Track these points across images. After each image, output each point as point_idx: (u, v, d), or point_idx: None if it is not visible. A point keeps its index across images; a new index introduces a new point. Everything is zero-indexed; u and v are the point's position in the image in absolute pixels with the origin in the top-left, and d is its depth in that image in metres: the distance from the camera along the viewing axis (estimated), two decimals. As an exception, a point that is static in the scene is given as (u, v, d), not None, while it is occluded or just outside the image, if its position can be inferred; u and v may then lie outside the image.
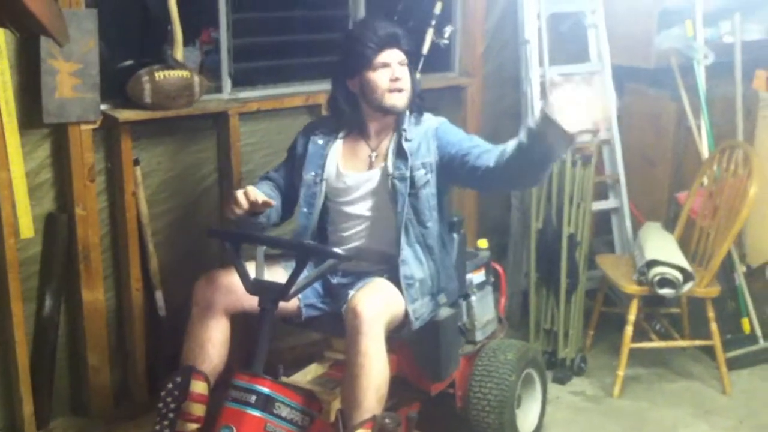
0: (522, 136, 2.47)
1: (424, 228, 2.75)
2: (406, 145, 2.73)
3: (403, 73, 2.71)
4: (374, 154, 2.80)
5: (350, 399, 2.49)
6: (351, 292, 2.63)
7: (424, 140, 2.74)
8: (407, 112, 2.78)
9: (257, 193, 2.58)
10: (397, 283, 2.68)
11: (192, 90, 3.09)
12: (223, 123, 3.28)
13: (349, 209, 2.81)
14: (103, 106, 2.97)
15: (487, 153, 2.64)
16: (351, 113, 2.79)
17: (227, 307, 2.69)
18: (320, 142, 2.83)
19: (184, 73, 3.06)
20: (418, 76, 3.71)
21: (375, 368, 2.48)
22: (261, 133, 3.46)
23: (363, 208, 2.80)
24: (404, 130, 2.75)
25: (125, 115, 2.99)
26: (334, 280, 2.84)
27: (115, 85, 3.03)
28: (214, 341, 2.67)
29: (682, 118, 4.17)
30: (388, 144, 2.78)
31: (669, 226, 4.03)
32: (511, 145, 2.55)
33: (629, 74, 4.32)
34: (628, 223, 4.21)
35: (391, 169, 2.73)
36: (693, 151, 4.13)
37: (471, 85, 4.09)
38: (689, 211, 3.91)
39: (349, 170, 2.80)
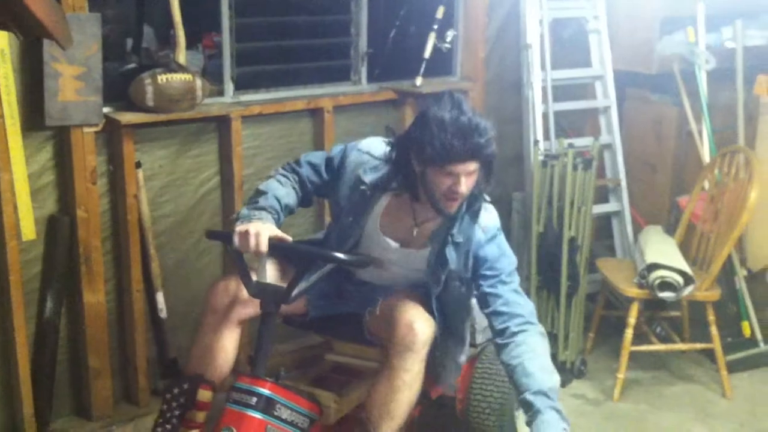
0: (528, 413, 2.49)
1: (449, 314, 2.69)
2: (449, 250, 2.55)
3: (468, 184, 2.43)
4: (416, 230, 2.61)
5: (384, 410, 2.49)
6: (379, 299, 2.62)
7: (466, 250, 2.55)
8: (462, 210, 2.55)
9: (265, 245, 2.43)
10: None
11: (194, 93, 3.10)
12: (225, 126, 3.29)
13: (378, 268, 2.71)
14: (105, 109, 2.99)
15: (496, 297, 2.58)
16: (408, 180, 2.53)
17: (243, 316, 2.66)
18: (368, 193, 2.59)
19: (187, 77, 3.07)
20: (418, 81, 3.75)
21: (416, 386, 2.51)
22: (263, 137, 3.47)
23: (391, 265, 2.70)
24: (452, 235, 2.54)
25: (127, 118, 3.00)
26: (349, 286, 2.80)
27: (118, 89, 3.05)
28: (225, 350, 2.65)
29: (684, 123, 4.18)
30: (432, 227, 2.60)
31: (670, 230, 4.04)
32: (521, 385, 2.52)
33: (631, 80, 4.33)
34: (629, 226, 4.22)
35: (428, 275, 2.61)
36: (694, 155, 4.14)
37: (473, 90, 4.10)
38: (690, 215, 3.92)
39: (387, 234, 2.63)
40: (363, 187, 2.59)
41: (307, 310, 2.79)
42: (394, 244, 2.64)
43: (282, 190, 2.62)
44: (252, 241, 2.42)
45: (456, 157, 2.37)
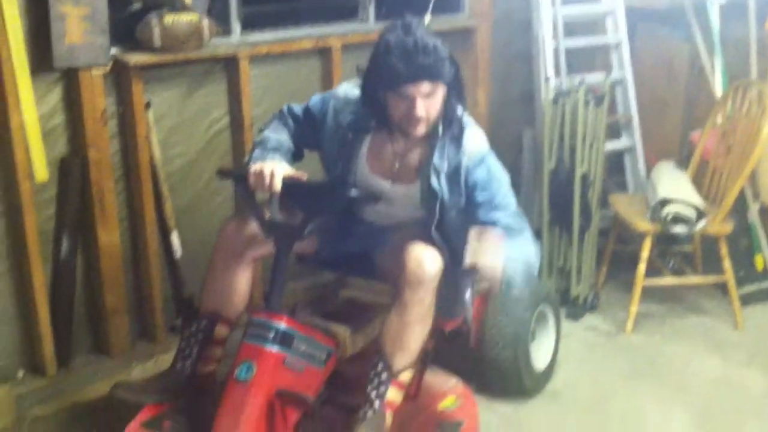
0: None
1: (452, 238, 2.65)
2: (435, 183, 2.55)
3: (426, 105, 2.42)
4: (397, 164, 2.61)
5: (399, 343, 2.52)
6: (389, 235, 2.64)
7: (457, 176, 2.55)
8: (439, 137, 2.54)
9: (279, 183, 2.46)
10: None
11: (201, 33, 3.08)
12: (233, 67, 3.27)
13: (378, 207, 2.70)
14: (113, 50, 2.97)
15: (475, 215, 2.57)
16: (380, 112, 2.54)
17: (255, 254, 2.68)
18: (350, 136, 2.61)
19: (193, 17, 3.05)
20: (427, 18, 3.71)
21: (428, 319, 2.54)
22: (271, 77, 3.45)
23: (388, 205, 2.67)
24: (434, 165, 2.54)
25: (135, 58, 2.98)
26: (358, 225, 2.80)
27: (125, 30, 3.03)
28: (240, 289, 2.68)
29: (696, 58, 4.14)
30: (415, 157, 2.59)
31: (682, 165, 4.02)
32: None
33: (642, 15, 4.29)
34: (641, 162, 4.20)
35: (422, 195, 2.59)
36: (706, 91, 4.11)
37: (480, 28, 4.05)
38: (702, 150, 3.90)
39: (376, 173, 2.63)
40: (343, 131, 2.61)
41: (318, 249, 2.81)
42: (384, 182, 2.64)
43: (282, 136, 2.66)
44: (267, 180, 2.44)
45: (402, 79, 2.37)
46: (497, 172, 2.60)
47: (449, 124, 2.54)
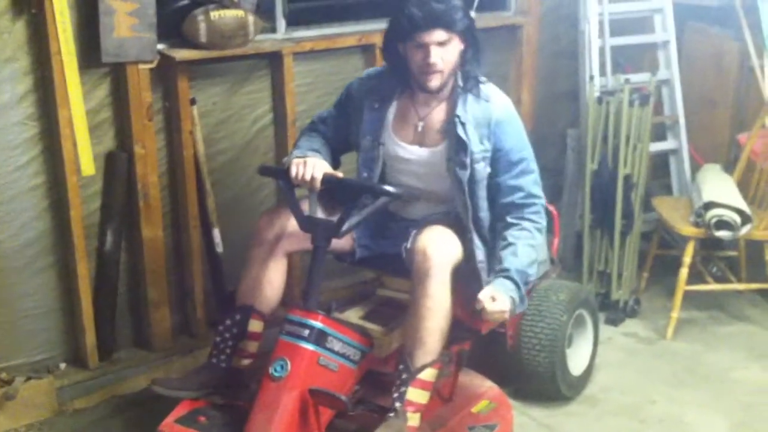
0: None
1: (477, 216, 2.69)
2: (461, 132, 2.58)
3: (440, 54, 2.51)
4: (421, 124, 2.66)
5: (415, 340, 2.53)
6: (412, 232, 2.64)
7: (484, 130, 2.60)
8: (459, 90, 2.61)
9: (320, 177, 2.55)
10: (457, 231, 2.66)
11: (246, 29, 3.10)
12: (277, 63, 3.29)
13: (406, 179, 2.74)
14: (159, 46, 3.00)
15: (499, 187, 2.65)
16: (401, 71, 2.65)
17: (288, 249, 2.72)
18: (376, 106, 2.68)
19: (239, 13, 3.08)
20: (472, 14, 3.69)
21: (442, 311, 2.52)
22: (315, 74, 3.46)
23: (418, 179, 2.73)
24: (458, 116, 2.59)
25: (181, 54, 3.02)
26: (393, 224, 2.83)
27: (171, 25, 3.06)
28: (273, 283, 2.71)
29: (745, 58, 4.05)
30: (438, 118, 2.65)
31: (729, 168, 3.95)
32: (500, 243, 2.64)
33: (691, 12, 4.21)
34: (686, 164, 4.14)
35: (450, 152, 2.62)
36: (755, 91, 4.02)
37: (527, 24, 4.02)
38: (750, 152, 3.83)
39: (401, 140, 2.69)
40: (369, 102, 2.69)
41: (355, 247, 2.82)
42: (411, 147, 2.69)
43: (315, 144, 2.73)
44: (309, 173, 2.52)
45: (417, 26, 2.49)
46: (525, 137, 2.69)
47: (467, 78, 2.62)
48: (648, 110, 3.72)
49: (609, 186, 3.74)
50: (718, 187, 3.61)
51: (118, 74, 2.96)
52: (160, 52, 3.00)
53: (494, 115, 2.61)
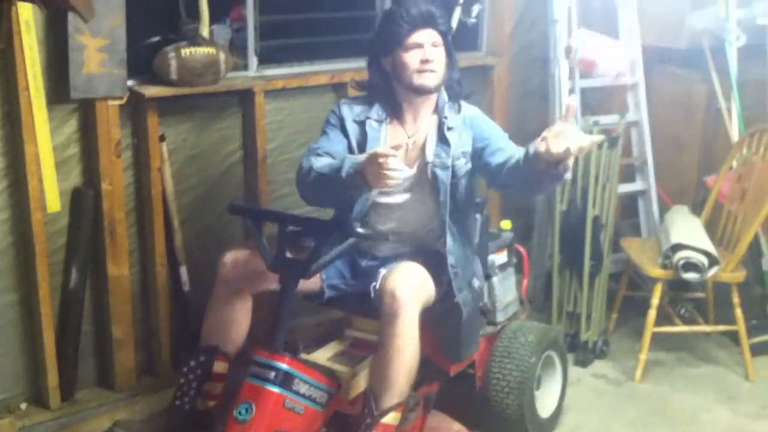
0: (528, 149, 2.44)
1: (461, 217, 2.74)
2: (448, 133, 2.68)
3: (435, 54, 2.65)
4: (411, 140, 2.73)
5: (381, 381, 2.51)
6: (382, 271, 2.63)
7: (464, 129, 2.71)
8: (446, 99, 2.73)
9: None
10: (431, 269, 2.65)
11: (218, 67, 3.10)
12: (249, 100, 3.29)
13: (386, 199, 2.75)
14: (129, 82, 2.99)
15: (502, 152, 2.64)
16: (386, 93, 2.74)
17: (253, 288, 2.70)
18: (374, 125, 2.74)
19: (210, 50, 3.07)
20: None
21: (409, 351, 2.50)
22: (286, 111, 3.46)
23: (399, 198, 2.75)
24: (446, 118, 2.70)
25: (151, 91, 3.01)
26: (363, 263, 2.83)
27: (142, 62, 3.05)
28: (238, 322, 2.69)
29: (713, 100, 4.12)
30: (427, 131, 2.72)
31: (697, 209, 3.99)
32: (519, 153, 2.55)
33: (660, 55, 4.27)
34: (655, 206, 4.17)
35: (431, 157, 2.68)
36: (723, 134, 4.08)
37: (498, 65, 4.06)
38: (717, 194, 3.87)
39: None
40: (369, 121, 2.72)
41: (323, 289, 2.80)
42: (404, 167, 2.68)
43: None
44: (387, 168, 2.40)
45: (412, 22, 2.61)
46: (497, 126, 2.81)
47: (450, 87, 2.75)
48: (617, 152, 3.76)
49: (578, 227, 3.76)
50: (686, 229, 3.64)
51: (86, 110, 2.93)
52: (129, 89, 2.98)
53: (467, 115, 2.74)
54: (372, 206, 2.75)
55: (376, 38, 2.75)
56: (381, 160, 2.36)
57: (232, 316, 2.68)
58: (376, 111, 2.75)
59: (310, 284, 2.68)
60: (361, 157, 2.47)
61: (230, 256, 2.70)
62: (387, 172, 2.38)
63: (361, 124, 2.73)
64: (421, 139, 2.72)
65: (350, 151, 2.73)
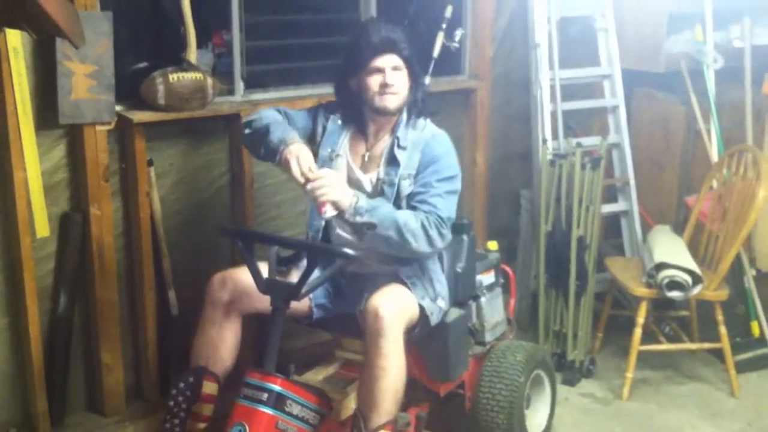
0: None
1: None
2: (398, 152, 2.73)
3: (396, 78, 2.71)
4: (368, 154, 2.79)
5: (369, 400, 2.52)
6: (365, 294, 2.64)
7: (415, 151, 2.74)
8: (404, 117, 2.78)
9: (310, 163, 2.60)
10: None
11: (205, 92, 3.12)
12: (236, 125, 3.30)
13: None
14: (117, 108, 3.00)
15: (417, 191, 2.69)
16: (351, 110, 2.81)
17: (241, 309, 2.71)
18: (339, 122, 2.83)
19: (197, 76, 3.09)
20: (427, 80, 3.76)
21: (395, 370, 2.52)
22: (272, 135, 3.48)
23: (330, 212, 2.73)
24: (398, 138, 2.75)
25: (139, 116, 3.02)
26: (343, 281, 2.86)
27: (130, 87, 3.07)
28: (227, 343, 2.69)
29: (692, 122, 4.18)
30: (382, 147, 2.78)
31: (678, 229, 4.05)
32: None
33: (639, 78, 4.34)
34: (637, 226, 4.23)
35: (382, 174, 2.74)
36: (702, 154, 4.15)
37: (480, 88, 4.11)
38: (698, 214, 3.93)
39: (353, 162, 2.81)
40: (335, 117, 2.83)
41: (311, 311, 2.82)
42: (358, 171, 2.78)
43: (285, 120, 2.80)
44: (301, 166, 2.56)
45: (373, 49, 2.69)
46: (452, 154, 2.78)
47: (412, 108, 2.79)
48: (599, 173, 3.80)
49: (563, 247, 3.80)
50: (669, 249, 3.69)
51: (75, 135, 2.95)
52: (117, 114, 3.00)
53: (425, 137, 2.76)
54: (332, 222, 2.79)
55: (343, 61, 2.83)
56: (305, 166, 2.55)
57: (220, 337, 2.68)
58: (347, 114, 2.84)
59: (299, 305, 2.69)
60: (291, 138, 2.63)
61: (219, 278, 2.72)
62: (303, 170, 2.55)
63: (329, 119, 2.85)
64: (377, 155, 2.78)
65: (310, 137, 2.84)
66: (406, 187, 2.71)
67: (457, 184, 2.74)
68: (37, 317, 2.91)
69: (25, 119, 2.80)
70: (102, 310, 3.04)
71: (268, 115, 2.77)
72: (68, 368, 3.05)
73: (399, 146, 2.74)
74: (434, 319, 2.74)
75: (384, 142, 2.79)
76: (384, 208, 2.58)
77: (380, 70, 2.70)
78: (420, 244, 2.60)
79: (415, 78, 2.79)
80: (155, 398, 3.20)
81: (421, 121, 2.80)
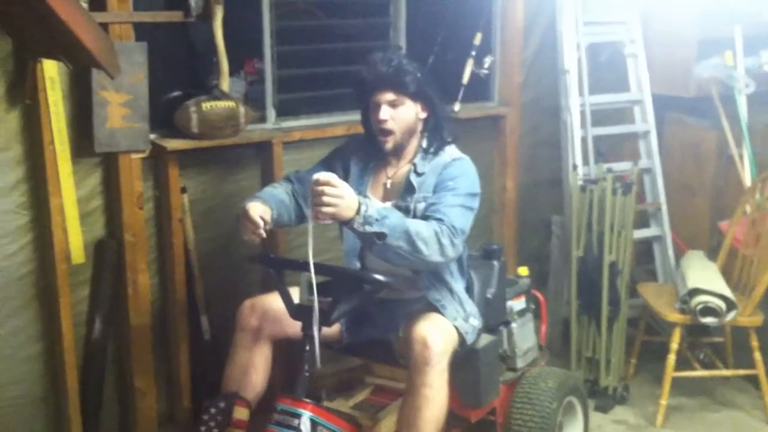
0: None
1: None
2: (414, 179, 2.72)
3: (389, 114, 2.68)
4: (389, 182, 2.80)
5: (413, 428, 2.51)
6: (400, 322, 2.65)
7: (432, 175, 2.72)
8: (424, 144, 2.77)
9: (257, 214, 2.60)
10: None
11: (237, 120, 3.16)
12: (267, 152, 3.35)
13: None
14: (151, 136, 3.05)
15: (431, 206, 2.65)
16: (373, 141, 2.79)
17: (272, 334, 2.72)
18: (361, 164, 2.83)
19: (230, 104, 3.14)
20: (456, 106, 3.78)
21: (439, 400, 2.52)
22: (303, 162, 3.50)
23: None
24: (414, 164, 2.75)
25: (173, 144, 3.07)
26: (373, 307, 2.84)
27: (164, 116, 3.12)
28: (257, 368, 2.70)
29: (723, 146, 4.16)
30: (402, 175, 2.78)
31: (711, 254, 4.01)
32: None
33: (669, 103, 4.33)
34: (670, 251, 4.19)
35: (399, 201, 2.73)
36: (734, 179, 4.12)
37: (509, 115, 4.13)
38: (732, 239, 3.89)
39: (374, 196, 2.80)
40: (357, 159, 2.84)
41: (341, 336, 2.83)
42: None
43: (277, 190, 2.81)
44: (245, 220, 2.58)
45: (372, 86, 2.70)
46: (471, 173, 2.73)
47: (431, 140, 2.77)
48: (631, 198, 3.79)
49: (594, 272, 3.78)
50: (703, 274, 3.65)
51: (110, 163, 3.00)
52: (152, 142, 3.04)
53: (445, 161, 2.74)
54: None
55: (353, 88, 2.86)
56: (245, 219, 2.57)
57: (252, 362, 2.69)
58: (369, 151, 2.83)
59: (328, 331, 2.70)
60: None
61: (249, 304, 2.74)
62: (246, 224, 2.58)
63: (350, 161, 2.85)
64: (397, 182, 2.78)
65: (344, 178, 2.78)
66: (422, 209, 2.69)
67: (473, 202, 2.69)
68: (73, 343, 2.94)
69: (62, 147, 2.85)
70: (135, 336, 3.07)
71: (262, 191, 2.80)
72: (102, 393, 3.08)
73: (416, 173, 2.74)
74: (470, 338, 2.74)
75: (404, 170, 2.79)
76: (394, 218, 2.49)
77: (378, 105, 2.70)
78: (431, 252, 2.50)
79: (431, 107, 2.76)
80: (188, 423, 3.22)
81: (447, 150, 2.78)
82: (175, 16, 3.07)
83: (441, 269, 2.72)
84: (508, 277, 3.16)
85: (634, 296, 3.95)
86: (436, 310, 2.68)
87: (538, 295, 3.36)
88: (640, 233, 4.17)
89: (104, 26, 2.82)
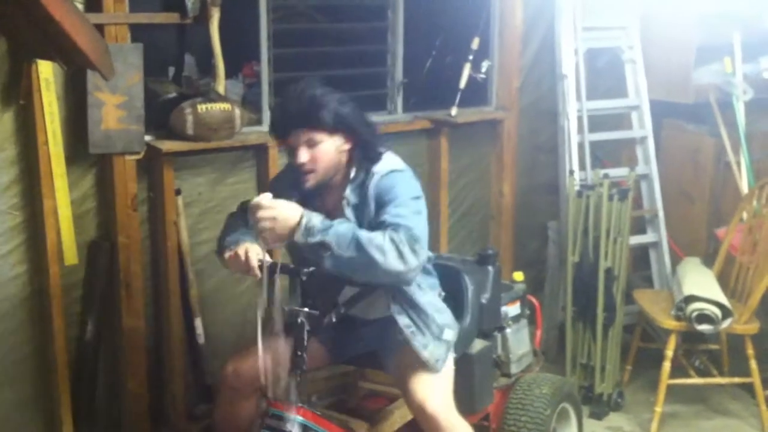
0: None
1: None
2: (349, 213, 2.51)
3: (308, 155, 2.44)
4: (328, 213, 2.53)
5: None
6: (387, 338, 2.60)
7: (367, 201, 2.49)
8: (352, 174, 2.53)
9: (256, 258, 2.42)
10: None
11: (233, 122, 3.15)
12: (263, 155, 3.34)
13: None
14: (146, 138, 3.04)
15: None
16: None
17: (255, 388, 2.67)
18: (299, 193, 2.54)
19: (226, 106, 3.13)
20: (454, 111, 3.76)
21: None
22: (300, 165, 3.50)
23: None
24: (346, 198, 2.52)
25: (168, 146, 3.06)
26: (354, 329, 2.74)
27: (158, 117, 3.11)
28: (244, 417, 2.69)
29: (721, 153, 4.16)
30: (333, 202, 2.56)
31: (708, 261, 4.00)
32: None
33: (667, 109, 4.33)
34: (666, 257, 4.19)
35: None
36: (731, 186, 4.11)
37: (507, 119, 4.12)
38: (728, 246, 3.88)
39: None
40: (289, 193, 2.50)
41: (326, 358, 2.76)
42: None
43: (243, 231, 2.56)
44: (244, 263, 2.40)
45: (284, 129, 2.45)
46: (402, 182, 2.48)
47: (359, 168, 2.51)
48: (627, 204, 3.78)
49: (590, 278, 3.77)
50: (699, 281, 3.65)
51: (104, 165, 2.99)
52: (146, 144, 3.03)
53: (376, 183, 2.48)
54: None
55: None
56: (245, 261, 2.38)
57: (239, 415, 2.68)
58: (299, 181, 2.54)
59: (313, 354, 2.57)
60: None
61: (231, 368, 2.65)
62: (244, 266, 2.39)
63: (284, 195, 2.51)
64: (339, 212, 2.53)
65: None
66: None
67: (419, 205, 2.45)
68: (65, 344, 2.93)
69: (56, 149, 2.84)
70: (129, 338, 3.05)
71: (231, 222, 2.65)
72: (95, 395, 3.07)
73: (350, 206, 2.52)
74: (440, 366, 2.58)
75: (334, 199, 2.56)
76: (341, 228, 2.29)
77: (295, 147, 2.46)
78: (389, 260, 2.27)
79: (354, 136, 2.49)
80: (181, 425, 3.21)
81: (376, 171, 2.50)
82: (172, 17, 3.05)
83: (407, 284, 2.53)
84: (503, 282, 3.15)
85: (630, 303, 3.94)
86: (406, 338, 2.54)
87: (533, 300, 3.35)
88: (637, 239, 4.16)
89: (100, 27, 2.81)
